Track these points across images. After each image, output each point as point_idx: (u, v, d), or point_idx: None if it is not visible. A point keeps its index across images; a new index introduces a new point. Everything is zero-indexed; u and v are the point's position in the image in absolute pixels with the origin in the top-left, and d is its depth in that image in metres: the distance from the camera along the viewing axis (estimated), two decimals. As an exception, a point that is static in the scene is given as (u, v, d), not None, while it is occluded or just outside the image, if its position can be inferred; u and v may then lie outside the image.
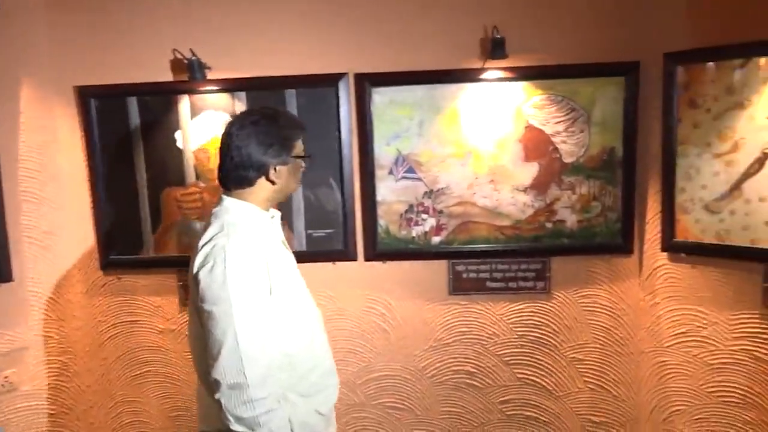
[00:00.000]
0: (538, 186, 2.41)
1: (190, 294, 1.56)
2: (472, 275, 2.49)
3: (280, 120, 1.59)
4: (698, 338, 2.33)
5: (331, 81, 2.36)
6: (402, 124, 2.41)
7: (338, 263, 2.48)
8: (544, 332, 2.52)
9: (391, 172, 2.44)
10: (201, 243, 1.51)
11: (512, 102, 2.35)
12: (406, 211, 2.45)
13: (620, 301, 2.48)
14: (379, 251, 2.47)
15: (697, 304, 2.32)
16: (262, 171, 1.56)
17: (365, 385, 2.58)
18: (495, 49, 2.24)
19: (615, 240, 2.44)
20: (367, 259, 2.48)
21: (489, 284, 2.50)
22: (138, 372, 2.61)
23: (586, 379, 2.54)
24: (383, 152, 2.42)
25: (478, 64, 2.33)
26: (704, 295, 2.30)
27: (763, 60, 2.05)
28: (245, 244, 1.48)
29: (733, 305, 2.23)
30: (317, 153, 2.38)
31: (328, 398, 1.67)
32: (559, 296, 2.49)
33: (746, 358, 2.22)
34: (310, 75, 2.36)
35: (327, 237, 2.46)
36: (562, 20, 2.31)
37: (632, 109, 2.34)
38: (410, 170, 2.43)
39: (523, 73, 2.32)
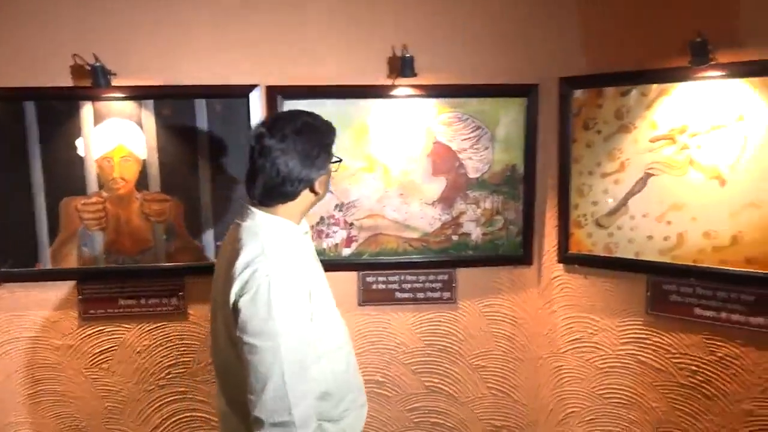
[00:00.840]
0: (445, 200, 2.50)
1: (219, 315, 1.46)
2: (382, 286, 2.55)
3: (320, 126, 1.50)
4: (590, 344, 2.49)
5: (242, 92, 2.35)
6: (314, 137, 2.42)
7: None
8: (450, 341, 2.61)
9: (302, 185, 2.45)
10: (239, 265, 1.38)
11: (421, 119, 2.43)
12: (318, 224, 2.47)
13: (521, 309, 2.61)
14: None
15: (589, 312, 2.48)
16: (308, 183, 1.47)
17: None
18: (404, 67, 2.31)
19: (516, 252, 2.56)
20: (278, 270, 2.47)
21: (398, 295, 2.56)
22: (32, 391, 2.47)
23: (489, 385, 2.65)
24: (295, 164, 2.43)
25: (388, 81, 2.39)
26: (595, 304, 2.46)
27: (646, 88, 2.23)
28: (288, 270, 1.39)
29: (620, 313, 2.40)
30: (231, 165, 2.37)
31: (358, 419, 1.63)
32: (464, 306, 2.59)
33: (632, 362, 2.40)
34: (221, 85, 2.34)
35: (237, 249, 2.44)
36: (469, 42, 2.41)
37: (532, 129, 2.47)
38: (321, 183, 2.45)
39: (432, 92, 2.41)
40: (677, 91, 2.17)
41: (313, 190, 1.50)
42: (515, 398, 2.66)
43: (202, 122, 2.35)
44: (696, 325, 2.23)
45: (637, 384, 2.39)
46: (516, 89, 2.45)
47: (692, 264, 2.20)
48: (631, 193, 2.32)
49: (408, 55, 2.31)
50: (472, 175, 2.50)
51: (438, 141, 2.47)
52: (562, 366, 2.58)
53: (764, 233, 2.06)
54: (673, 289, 2.26)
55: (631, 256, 2.34)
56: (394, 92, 2.40)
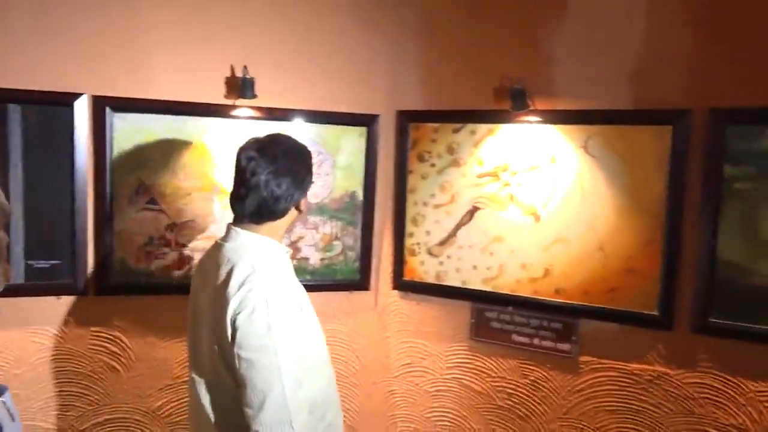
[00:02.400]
0: (284, 224, 2.48)
1: (205, 334, 1.49)
2: (215, 311, 2.45)
3: (304, 149, 1.60)
4: (420, 368, 2.58)
5: (65, 101, 2.18)
6: (145, 153, 2.31)
7: (64, 297, 2.27)
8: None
9: (131, 202, 2.31)
10: (233, 284, 1.42)
11: (260, 141, 2.40)
12: (146, 244, 2.34)
13: (358, 335, 2.64)
14: (113, 284, 2.32)
15: (420, 338, 2.57)
16: (295, 202, 1.56)
17: (90, 431, 2.37)
18: (245, 87, 2.28)
19: (354, 277, 2.60)
20: (99, 293, 2.30)
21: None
22: None
23: (323, 410, 2.63)
24: (123, 180, 2.29)
25: (228, 101, 2.34)
26: (426, 330, 2.55)
27: (474, 127, 2.38)
28: (282, 287, 1.45)
29: (447, 338, 2.51)
30: (49, 177, 2.18)
31: None
32: (300, 331, 2.56)
33: (456, 386, 2.51)
34: (41, 91, 2.16)
35: (51, 269, 2.24)
36: (313, 69, 2.43)
37: (372, 158, 2.53)
38: (152, 201, 2.34)
39: (273, 114, 2.39)
40: (501, 132, 2.33)
41: (298, 208, 1.59)
42: (349, 423, 2.67)
43: (15, 130, 2.15)
44: (513, 350, 2.38)
45: (461, 407, 2.50)
46: (357, 118, 2.50)
47: (510, 293, 2.36)
48: (459, 225, 2.44)
49: (249, 76, 2.27)
50: (312, 200, 2.50)
51: (278, 164, 2.44)
52: (394, 390, 2.64)
53: (570, 267, 2.25)
54: (494, 317, 2.41)
55: (458, 284, 2.46)
56: (234, 113, 2.35)
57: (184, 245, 2.38)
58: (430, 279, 2.51)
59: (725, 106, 1.97)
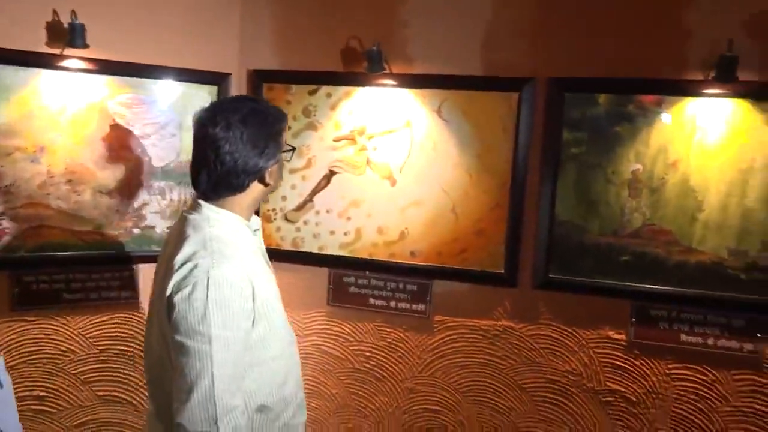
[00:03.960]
0: (125, 189, 2.27)
1: (156, 311, 1.34)
2: (44, 286, 2.21)
3: (268, 113, 1.38)
4: (278, 337, 2.51)
5: None
6: (-51, 107, 1.98)
7: None
8: (129, 345, 2.38)
9: (-68, 164, 1.98)
10: (179, 259, 1.27)
11: (95, 96, 2.17)
12: (-46, 212, 2.03)
13: (210, 306, 2.51)
14: None
15: (277, 306, 2.49)
16: (258, 175, 1.36)
17: None
18: (73, 35, 2.02)
19: (205, 246, 2.45)
20: None
21: (66, 296, 2.25)
22: None
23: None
24: None
25: (54, 50, 2.07)
26: (284, 296, 2.47)
27: (331, 89, 2.32)
28: (231, 268, 1.27)
29: (305, 305, 2.47)
30: None
31: None
32: (147, 306, 2.38)
33: (315, 352, 2.48)
34: None
35: None
36: (153, 20, 2.22)
37: (223, 119, 2.38)
38: (-40, 163, 2.02)
39: (108, 68, 2.16)
40: (358, 95, 2.30)
41: (263, 182, 1.38)
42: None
43: None
44: (370, 313, 2.40)
45: (319, 373, 2.49)
46: (206, 76, 2.34)
47: (368, 257, 2.36)
48: (316, 190, 2.39)
49: (78, 22, 2.02)
50: (157, 163, 2.31)
51: (116, 123, 2.22)
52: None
53: (425, 229, 2.30)
54: (352, 281, 2.40)
55: (315, 250, 2.42)
56: (62, 63, 2.08)
57: (3, 213, 2.09)
58: (287, 246, 2.45)
59: (564, 76, 2.10)
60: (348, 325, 2.44)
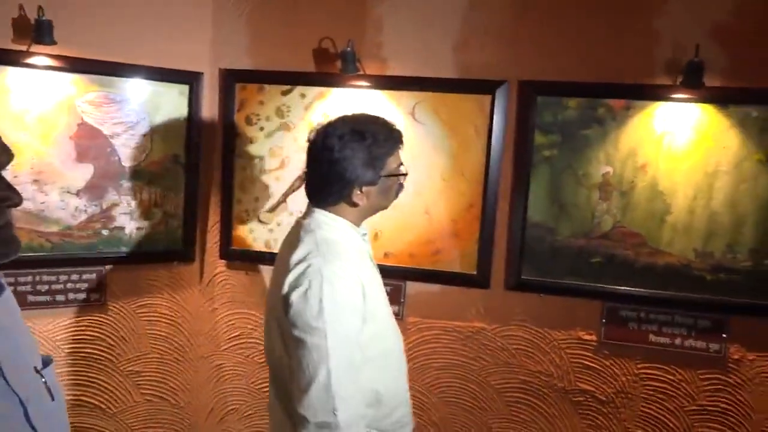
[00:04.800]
0: (93, 189, 2.23)
1: (272, 308, 1.45)
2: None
3: (374, 135, 1.41)
4: (250, 339, 2.50)
5: None
6: None
7: None
8: (97, 347, 2.34)
9: None
10: (293, 260, 1.38)
11: (63, 94, 2.12)
12: None
13: (181, 308, 2.48)
14: None
15: (249, 308, 2.48)
16: (345, 192, 1.42)
17: None
18: (40, 31, 1.98)
19: (176, 247, 2.42)
20: None
21: (31, 298, 2.20)
22: None
23: (144, 391, 2.45)
24: None
25: (20, 46, 2.02)
26: (255, 300, 2.47)
27: (305, 89, 2.31)
28: (342, 266, 1.36)
29: (278, 307, 2.44)
30: None
31: None
32: (115, 308, 2.35)
33: (287, 355, 2.46)
34: None
35: None
36: (124, 16, 2.19)
37: (195, 120, 2.36)
38: None
39: (76, 66, 2.11)
40: (332, 96, 2.29)
41: (349, 199, 1.44)
42: (173, 402, 2.51)
43: None
44: (343, 315, 2.38)
45: (292, 375, 2.46)
46: (177, 75, 2.30)
47: (341, 259, 2.34)
48: (290, 191, 2.37)
49: (45, 18, 1.98)
50: (127, 163, 2.28)
51: (85, 122, 2.18)
52: (222, 364, 2.53)
53: (398, 230, 2.30)
54: (325, 283, 2.38)
55: (289, 251, 2.39)
56: (28, 60, 2.03)
57: (-35, 214, 2.03)
58: (260, 247, 2.42)
59: (536, 79, 2.12)
60: (321, 327, 2.42)
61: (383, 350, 1.46)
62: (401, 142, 1.50)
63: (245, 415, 2.54)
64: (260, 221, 2.42)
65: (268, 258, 2.40)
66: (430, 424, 2.37)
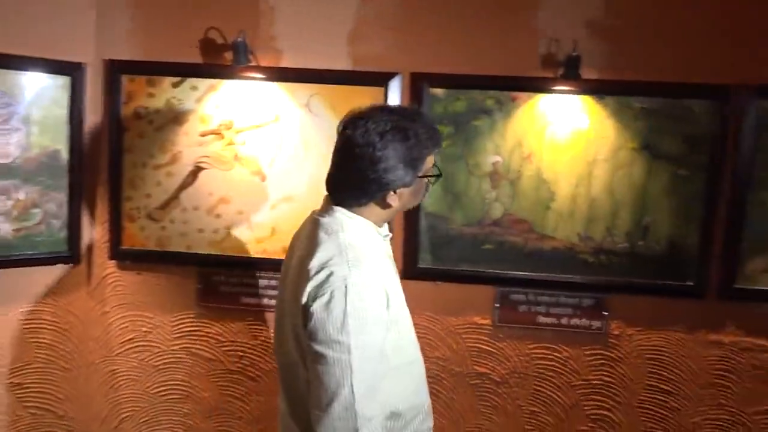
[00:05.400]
0: (-39, 188, 2.05)
1: (288, 313, 1.34)
2: None
3: (415, 136, 1.30)
4: (144, 342, 2.40)
5: None
6: None
7: None
8: (-29, 359, 2.16)
9: None
10: (314, 265, 1.26)
11: None
12: None
13: (67, 314, 2.34)
14: None
15: (143, 310, 2.38)
16: (380, 193, 1.32)
17: None
18: None
19: (60, 249, 2.28)
20: None
21: None
22: None
23: (27, 404, 2.29)
24: None
25: None
26: (149, 300, 2.37)
27: (196, 81, 2.24)
28: (367, 276, 1.25)
29: (173, 307, 2.37)
30: None
31: None
32: (-10, 315, 2.18)
33: (185, 356, 2.39)
34: None
35: None
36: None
37: (77, 113, 2.24)
38: None
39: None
40: (224, 88, 2.24)
41: (383, 202, 1.35)
42: (60, 414, 2.37)
43: None
44: (242, 312, 2.35)
45: (190, 376, 2.40)
46: (56, 66, 2.18)
47: (239, 255, 2.30)
48: (183, 186, 2.30)
49: None
50: (2, 160, 2.12)
51: (-52, 115, 2.00)
52: (116, 369, 2.42)
53: (296, 225, 2.27)
54: (222, 280, 2.34)
55: (183, 249, 2.32)
56: None
57: None
58: (152, 245, 2.33)
59: (428, 72, 2.17)
60: (219, 326, 2.37)
61: (406, 360, 1.40)
62: (441, 143, 1.42)
63: (141, 421, 2.43)
64: (152, 219, 2.33)
65: (161, 257, 2.32)
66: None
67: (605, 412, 2.27)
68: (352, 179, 1.33)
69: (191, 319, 2.37)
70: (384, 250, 1.45)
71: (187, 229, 2.31)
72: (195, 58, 2.24)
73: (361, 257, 1.29)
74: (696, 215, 2.14)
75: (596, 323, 2.23)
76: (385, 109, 1.36)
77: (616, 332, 2.24)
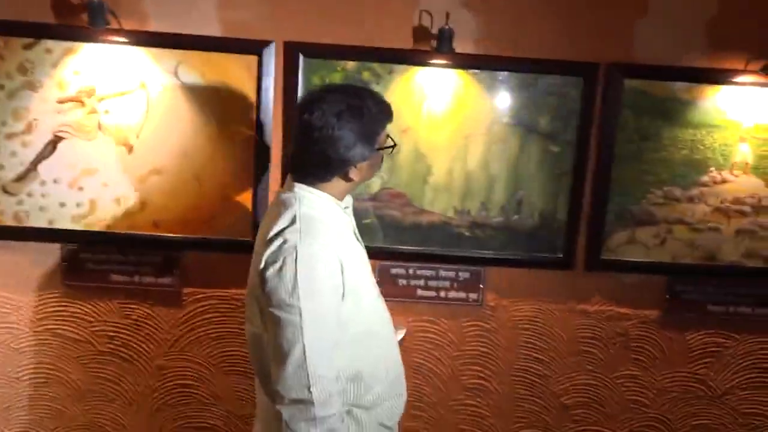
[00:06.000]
0: None
1: (251, 286, 1.42)
2: None
3: (368, 112, 1.40)
4: (5, 325, 2.25)
5: None
6: None
7: None
8: None
9: None
10: (271, 234, 1.36)
11: None
12: None
13: None
14: None
15: (1, 290, 2.22)
16: (342, 169, 1.42)
17: None
18: None
19: None
20: None
21: None
22: None
23: None
24: None
25: None
26: (7, 281, 2.22)
27: (51, 44, 2.07)
28: (319, 243, 1.35)
29: (36, 287, 2.23)
30: None
31: (394, 409, 1.53)
32: None
33: (50, 337, 2.26)
34: None
35: None
36: None
37: None
38: None
39: None
40: (83, 52, 2.08)
41: (346, 177, 1.44)
42: None
43: None
44: (112, 290, 2.24)
45: (58, 359, 2.27)
46: None
47: (106, 230, 2.18)
48: (41, 157, 2.14)
49: None
50: None
51: None
52: (-28, 354, 2.25)
53: (168, 198, 2.18)
54: (89, 257, 2.21)
55: (44, 224, 2.17)
56: None
57: None
58: (8, 221, 2.17)
59: (302, 41, 2.09)
60: (87, 306, 2.25)
61: (365, 330, 1.47)
62: (392, 115, 1.49)
63: (3, 407, 2.29)
64: (7, 192, 2.16)
65: (18, 233, 2.16)
66: (211, 395, 2.32)
67: (482, 381, 2.34)
68: (314, 160, 1.41)
69: (56, 299, 2.24)
70: (346, 222, 1.53)
71: (47, 203, 2.16)
72: (49, 18, 2.06)
73: (314, 228, 1.38)
74: (565, 190, 2.19)
75: (473, 295, 2.28)
76: (337, 90, 1.46)
77: (492, 303, 2.29)
